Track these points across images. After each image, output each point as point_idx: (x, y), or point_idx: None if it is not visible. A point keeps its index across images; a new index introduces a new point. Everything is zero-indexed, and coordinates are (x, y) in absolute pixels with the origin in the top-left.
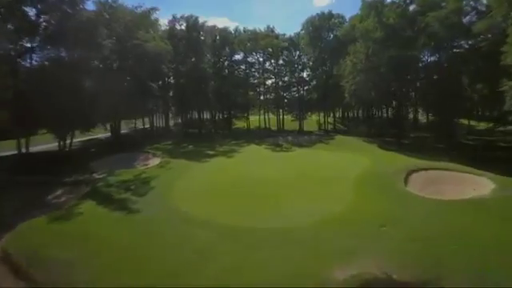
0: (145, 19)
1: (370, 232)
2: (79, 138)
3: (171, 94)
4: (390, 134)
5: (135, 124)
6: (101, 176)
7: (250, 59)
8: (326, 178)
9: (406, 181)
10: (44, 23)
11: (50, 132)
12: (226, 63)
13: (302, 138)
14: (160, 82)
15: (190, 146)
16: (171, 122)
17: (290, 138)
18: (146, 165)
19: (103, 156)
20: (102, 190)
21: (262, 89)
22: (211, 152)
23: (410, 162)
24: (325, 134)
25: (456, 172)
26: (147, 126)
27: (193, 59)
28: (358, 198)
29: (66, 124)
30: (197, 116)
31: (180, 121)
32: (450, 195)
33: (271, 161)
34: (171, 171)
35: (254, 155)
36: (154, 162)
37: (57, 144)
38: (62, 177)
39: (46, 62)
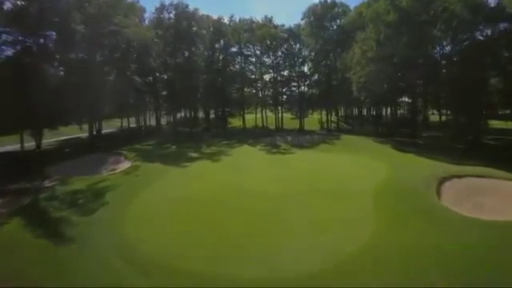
0: (120, 1)
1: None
2: (59, 137)
3: (163, 90)
4: (401, 133)
5: (121, 123)
6: (51, 184)
7: (245, 51)
8: (337, 191)
9: (438, 192)
10: (8, 4)
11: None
12: (220, 56)
13: (302, 138)
14: (151, 78)
15: (173, 147)
16: (164, 121)
17: (289, 137)
18: (114, 169)
19: (72, 158)
20: (42, 204)
21: (259, 84)
22: (195, 154)
23: (436, 167)
24: (328, 134)
25: (498, 179)
26: (135, 125)
27: (185, 52)
28: (384, 222)
29: (29, 122)
30: (191, 114)
31: (173, 119)
32: (500, 213)
33: (266, 166)
34: (137, 179)
35: (245, 159)
36: (124, 166)
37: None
38: (10, 183)
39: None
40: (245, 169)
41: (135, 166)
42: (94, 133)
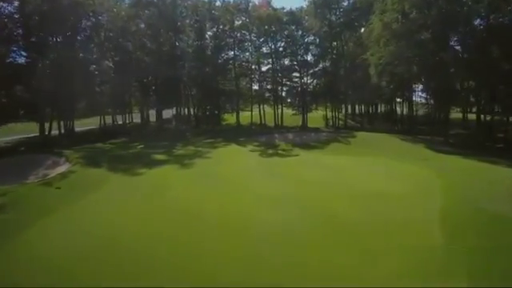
0: None
1: None
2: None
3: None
4: (422, 131)
5: (100, 120)
6: None
7: (239, 35)
8: (373, 226)
9: None
10: None
11: None
12: (211, 43)
13: (307, 136)
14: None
15: (140, 146)
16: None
17: (290, 135)
18: (46, 175)
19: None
20: None
21: (256, 75)
22: (161, 156)
23: (502, 173)
24: (337, 131)
25: None
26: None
27: (169, 34)
28: None
29: None
30: (178, 110)
31: (158, 115)
32: None
33: (256, 176)
34: (53, 196)
35: (227, 164)
36: (60, 170)
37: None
38: None
39: None
40: (222, 181)
41: (70, 171)
42: (62, 131)
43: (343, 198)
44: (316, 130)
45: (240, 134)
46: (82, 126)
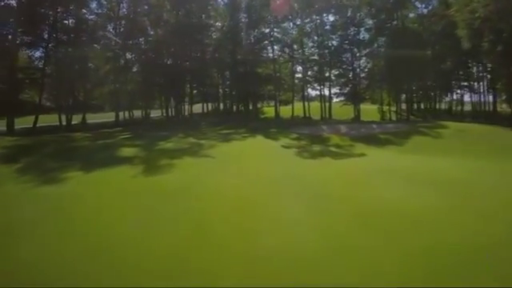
0: None
1: None
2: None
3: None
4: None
5: (117, 114)
6: None
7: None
8: None
9: None
10: None
11: None
12: (244, 18)
13: (366, 129)
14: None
15: (124, 137)
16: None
17: (343, 127)
18: None
19: None
20: None
21: (298, 59)
22: (132, 151)
23: None
24: (408, 122)
25: None
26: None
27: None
28: None
29: None
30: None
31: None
32: None
33: (283, 208)
34: None
35: (234, 170)
36: None
37: None
38: None
39: None
40: (193, 222)
41: None
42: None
43: None
44: (374, 122)
45: (274, 125)
46: (105, 118)
